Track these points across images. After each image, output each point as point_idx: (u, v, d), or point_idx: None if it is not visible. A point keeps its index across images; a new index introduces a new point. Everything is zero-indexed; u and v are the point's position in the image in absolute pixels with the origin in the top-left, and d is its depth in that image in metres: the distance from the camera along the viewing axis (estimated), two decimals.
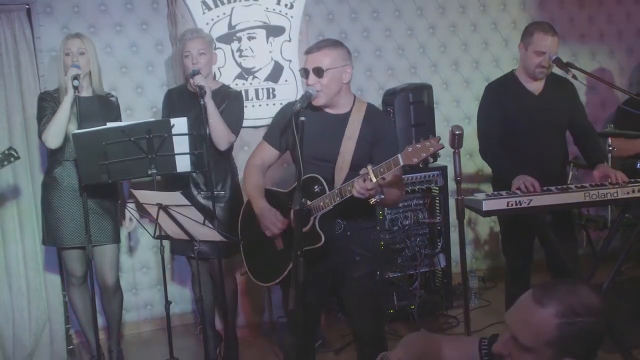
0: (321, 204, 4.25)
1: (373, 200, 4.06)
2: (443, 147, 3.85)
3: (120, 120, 5.86)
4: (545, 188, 5.33)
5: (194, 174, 5.79)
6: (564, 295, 2.49)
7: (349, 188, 4.07)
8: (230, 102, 5.86)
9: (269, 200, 4.63)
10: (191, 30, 5.97)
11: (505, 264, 6.11)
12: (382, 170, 3.93)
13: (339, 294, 4.80)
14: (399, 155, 3.86)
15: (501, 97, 5.71)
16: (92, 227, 5.54)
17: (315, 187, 4.32)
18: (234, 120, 5.84)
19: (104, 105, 5.80)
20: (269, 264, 4.75)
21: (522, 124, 5.61)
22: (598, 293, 2.56)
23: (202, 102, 5.38)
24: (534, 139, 5.60)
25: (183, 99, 5.85)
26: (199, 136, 5.52)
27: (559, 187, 5.33)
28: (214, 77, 6.10)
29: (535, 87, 5.64)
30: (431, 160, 3.86)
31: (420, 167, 6.36)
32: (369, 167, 3.94)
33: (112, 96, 5.94)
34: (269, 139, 4.75)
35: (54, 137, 5.53)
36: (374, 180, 3.93)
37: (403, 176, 6.01)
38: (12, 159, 5.44)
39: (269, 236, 4.58)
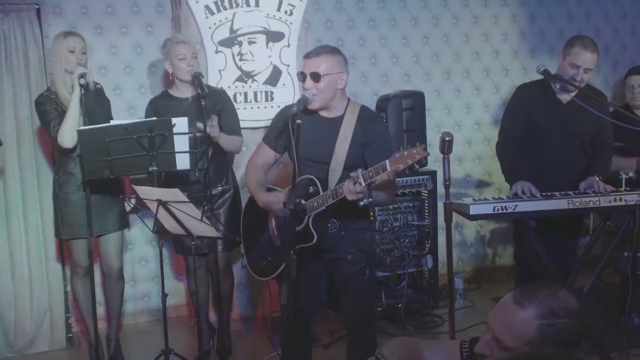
0: (315, 204, 4.30)
1: (361, 203, 4.10)
2: (428, 155, 3.87)
3: (109, 104, 6.01)
4: (548, 193, 5.36)
5: (195, 174, 5.82)
6: (544, 298, 2.50)
7: (340, 190, 4.09)
8: (227, 105, 5.99)
9: None
10: (180, 35, 6.07)
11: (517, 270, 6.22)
12: (370, 175, 3.98)
13: (332, 290, 4.83)
14: (387, 161, 3.89)
15: (529, 99, 5.75)
16: (101, 216, 5.64)
17: (311, 187, 4.35)
18: (237, 120, 6.05)
19: (96, 96, 5.83)
20: (266, 259, 4.82)
21: (544, 128, 5.64)
22: (577, 296, 2.58)
23: (202, 103, 5.45)
24: (554, 145, 5.64)
25: (169, 106, 5.88)
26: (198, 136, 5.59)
27: (544, 194, 5.35)
28: None
29: (565, 95, 5.63)
30: (417, 167, 3.87)
31: (411, 171, 6.40)
32: (359, 171, 3.99)
33: (98, 83, 5.96)
34: (267, 141, 4.82)
35: (70, 137, 5.50)
36: (363, 184, 3.97)
37: (397, 179, 6.09)
38: None
39: (281, 215, 4.58)
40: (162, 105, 5.93)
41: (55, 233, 6.01)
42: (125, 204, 5.97)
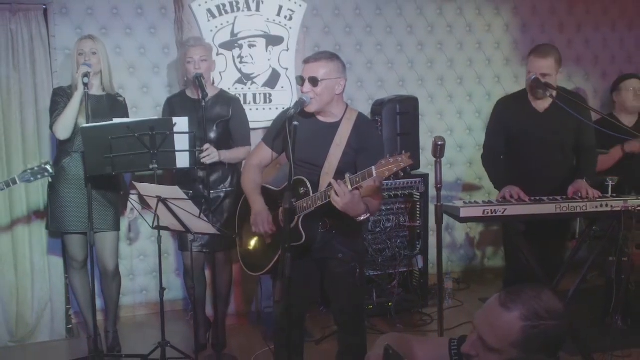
0: (305, 205, 4.30)
1: (360, 219, 4.17)
2: (412, 164, 3.87)
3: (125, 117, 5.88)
4: (537, 198, 5.38)
5: (201, 173, 5.83)
6: (528, 300, 2.51)
7: (329, 193, 4.09)
8: (237, 113, 5.98)
9: (263, 196, 4.72)
10: (194, 38, 6.03)
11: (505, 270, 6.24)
12: (357, 179, 4.00)
13: (323, 287, 4.83)
14: (373, 168, 3.90)
15: (507, 112, 5.79)
16: (95, 215, 5.54)
17: (301, 188, 4.36)
18: (247, 128, 6.07)
19: (112, 104, 5.82)
20: (258, 255, 4.84)
21: (523, 139, 5.66)
22: (560, 298, 2.58)
23: (203, 104, 5.44)
24: (534, 155, 5.66)
25: (184, 106, 5.90)
26: (201, 138, 5.64)
27: (533, 198, 5.35)
28: (212, 83, 6.12)
29: (541, 105, 5.65)
30: (401, 174, 3.88)
31: (395, 178, 6.42)
32: (347, 175, 4.03)
33: (120, 96, 5.97)
34: (266, 141, 4.82)
35: (63, 129, 5.57)
36: (350, 187, 3.98)
37: (390, 181, 6.12)
38: (45, 174, 5.38)
39: (253, 230, 4.66)
40: (177, 105, 5.98)
41: (46, 225, 6.04)
42: (130, 202, 5.98)
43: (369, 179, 3.96)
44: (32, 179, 5.34)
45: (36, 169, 5.33)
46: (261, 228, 4.59)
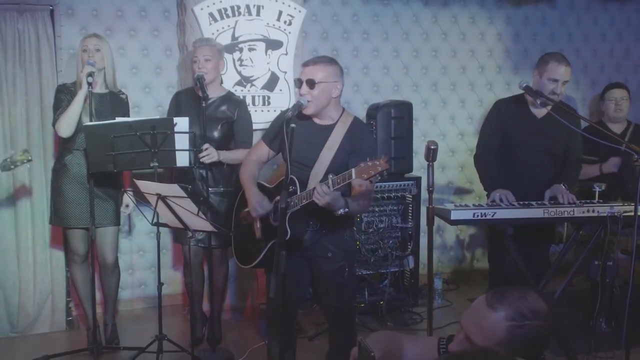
0: (292, 203, 4.32)
1: (337, 213, 4.22)
2: (389, 168, 3.91)
3: (128, 117, 5.89)
4: (526, 202, 5.42)
5: (202, 172, 5.81)
6: (514, 301, 2.52)
7: (312, 193, 4.13)
8: (242, 116, 5.97)
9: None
10: (201, 39, 6.03)
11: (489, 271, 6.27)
12: (339, 181, 4.05)
13: (314, 285, 4.85)
14: (353, 170, 3.95)
15: (505, 113, 5.78)
16: (96, 211, 5.57)
17: (290, 187, 4.36)
18: (250, 132, 6.05)
19: (114, 102, 5.83)
20: (248, 249, 4.87)
21: (519, 142, 5.67)
22: (545, 299, 2.59)
23: (203, 104, 5.46)
24: (527, 159, 5.67)
25: (190, 102, 5.89)
26: (202, 136, 5.63)
27: (521, 202, 5.38)
28: (221, 83, 6.10)
29: (540, 111, 5.65)
30: (378, 177, 3.92)
31: (398, 177, 6.44)
32: (330, 176, 4.09)
33: (123, 94, 5.98)
34: (264, 139, 4.85)
35: (65, 127, 5.57)
36: (331, 188, 4.04)
37: (384, 183, 6.14)
38: (25, 161, 5.43)
39: (253, 215, 4.67)
40: (185, 100, 5.98)
41: (49, 220, 6.06)
42: (127, 196, 5.99)
43: (349, 181, 4.01)
44: (12, 167, 5.45)
45: (17, 158, 5.43)
46: (258, 210, 4.60)
